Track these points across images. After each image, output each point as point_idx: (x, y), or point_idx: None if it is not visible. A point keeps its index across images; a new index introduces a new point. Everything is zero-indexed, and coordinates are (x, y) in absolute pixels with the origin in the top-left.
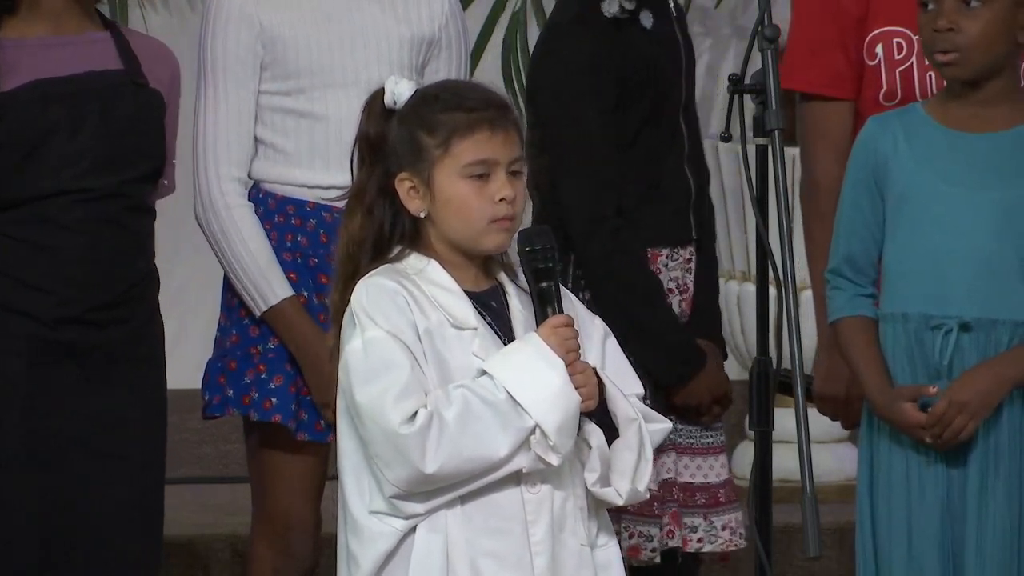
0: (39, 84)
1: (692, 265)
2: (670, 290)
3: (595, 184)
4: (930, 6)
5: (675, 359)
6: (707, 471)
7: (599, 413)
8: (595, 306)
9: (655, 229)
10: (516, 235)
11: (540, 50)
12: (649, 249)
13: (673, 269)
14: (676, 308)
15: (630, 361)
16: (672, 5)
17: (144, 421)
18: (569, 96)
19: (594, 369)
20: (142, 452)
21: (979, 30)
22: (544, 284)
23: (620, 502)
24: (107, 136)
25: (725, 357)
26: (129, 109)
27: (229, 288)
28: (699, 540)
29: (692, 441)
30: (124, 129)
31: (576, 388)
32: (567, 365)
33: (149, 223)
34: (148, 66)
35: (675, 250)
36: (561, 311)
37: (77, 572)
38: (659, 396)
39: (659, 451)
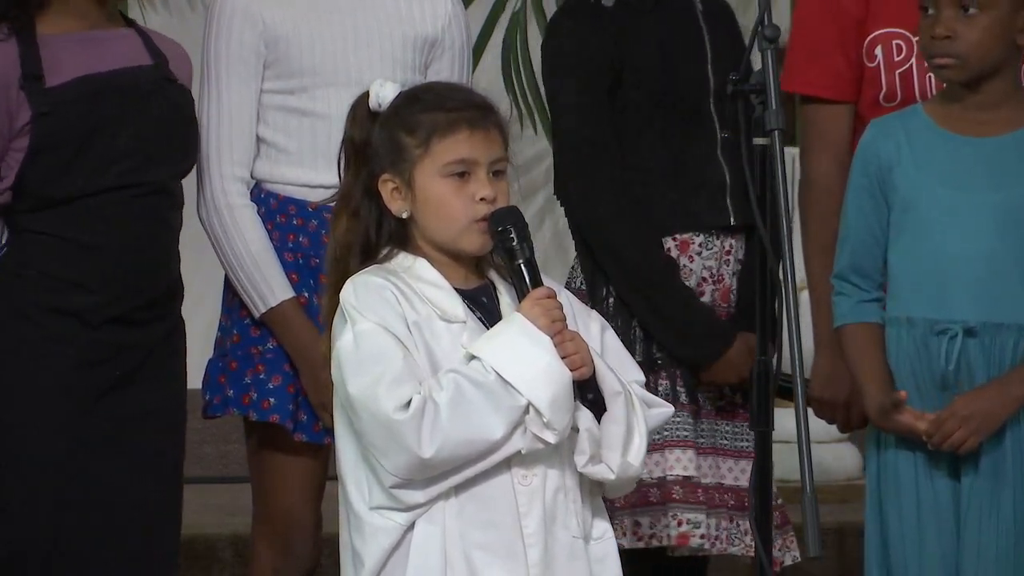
0: (86, 80)
1: (731, 257)
2: (703, 279)
3: (597, 183)
4: (929, 11)
5: (699, 336)
6: (724, 473)
7: (594, 386)
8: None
9: (683, 215)
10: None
11: (542, 50)
12: (678, 236)
13: (708, 258)
14: (708, 298)
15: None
16: None
17: (173, 418)
18: (554, 90)
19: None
20: (172, 450)
21: (976, 37)
22: (519, 262)
23: (612, 477)
24: (149, 132)
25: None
26: (166, 105)
27: (230, 288)
28: (702, 537)
29: (727, 443)
30: (163, 125)
31: (568, 356)
32: (555, 334)
33: (180, 219)
34: (174, 64)
35: (709, 238)
36: (540, 284)
37: (106, 572)
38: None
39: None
